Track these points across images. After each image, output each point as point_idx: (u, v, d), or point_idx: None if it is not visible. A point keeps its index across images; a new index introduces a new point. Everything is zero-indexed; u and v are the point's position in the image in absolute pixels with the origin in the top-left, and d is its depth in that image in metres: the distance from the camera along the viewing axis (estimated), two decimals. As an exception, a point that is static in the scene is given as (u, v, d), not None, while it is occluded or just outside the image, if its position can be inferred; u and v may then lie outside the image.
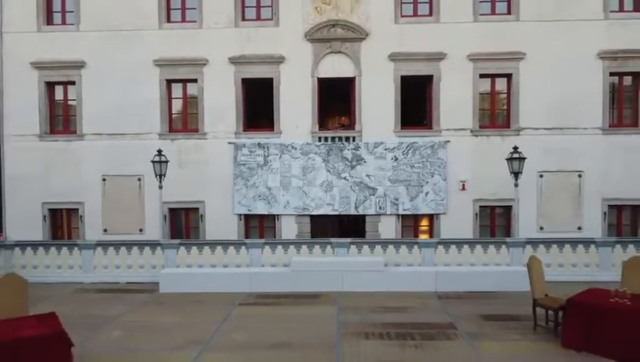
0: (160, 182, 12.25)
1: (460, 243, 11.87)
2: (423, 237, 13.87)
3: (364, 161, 13.76)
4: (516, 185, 12.00)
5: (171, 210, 13.99)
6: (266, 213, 13.96)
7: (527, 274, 8.53)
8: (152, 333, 8.29)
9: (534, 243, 11.78)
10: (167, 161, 12.30)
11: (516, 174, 11.95)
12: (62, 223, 14.58)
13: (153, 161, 12.23)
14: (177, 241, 12.13)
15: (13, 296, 7.43)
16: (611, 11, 13.52)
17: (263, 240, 12.20)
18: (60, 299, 10.54)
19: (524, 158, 11.90)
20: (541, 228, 13.62)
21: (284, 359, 7.14)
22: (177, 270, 11.41)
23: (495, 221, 13.94)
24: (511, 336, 8.06)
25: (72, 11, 14.20)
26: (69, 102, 14.43)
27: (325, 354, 7.26)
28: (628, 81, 13.73)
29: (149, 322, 8.94)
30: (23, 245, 12.25)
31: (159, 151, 12.32)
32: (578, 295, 7.81)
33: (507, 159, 12.03)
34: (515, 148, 11.96)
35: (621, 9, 13.59)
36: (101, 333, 8.22)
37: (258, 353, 7.36)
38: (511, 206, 13.27)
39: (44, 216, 14.31)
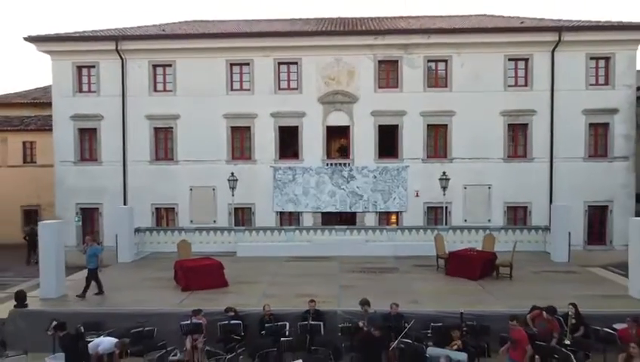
0: (232, 193, 20.49)
1: (410, 228, 20.15)
2: (392, 225, 21.94)
3: (355, 178, 21.90)
4: (444, 195, 20.24)
5: (233, 208, 22.06)
6: (294, 210, 22.10)
7: (441, 241, 16.78)
8: (246, 271, 16.48)
9: (454, 228, 20.05)
10: (237, 180, 20.53)
11: (444, 188, 20.16)
12: (163, 217, 22.70)
13: (229, 179, 20.48)
14: (243, 228, 20.41)
15: (186, 249, 15.69)
16: (509, 86, 21.62)
17: (294, 227, 20.50)
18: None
19: (449, 179, 20.16)
20: (465, 221, 21.68)
21: (314, 279, 15.36)
22: (247, 243, 19.64)
23: (437, 215, 22.00)
24: (424, 272, 16.33)
25: (171, 82, 22.30)
26: (168, 140, 22.53)
27: (332, 278, 15.50)
28: (519, 129, 21.84)
29: (240, 267, 17.04)
30: (150, 230, 20.54)
31: (232, 173, 20.59)
32: (455, 251, 16.09)
33: (439, 179, 20.24)
34: (444, 173, 20.22)
35: (515, 84, 21.67)
36: (220, 271, 16.40)
37: (301, 278, 15.59)
38: (446, 206, 21.40)
39: (152, 213, 22.45)
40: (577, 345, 10.45)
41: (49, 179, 27.28)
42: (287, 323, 11.09)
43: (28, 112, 31.02)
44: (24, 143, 28.96)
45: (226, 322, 11.09)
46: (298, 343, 10.53)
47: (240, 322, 11.10)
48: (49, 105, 30.42)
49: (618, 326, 10.62)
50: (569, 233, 18.08)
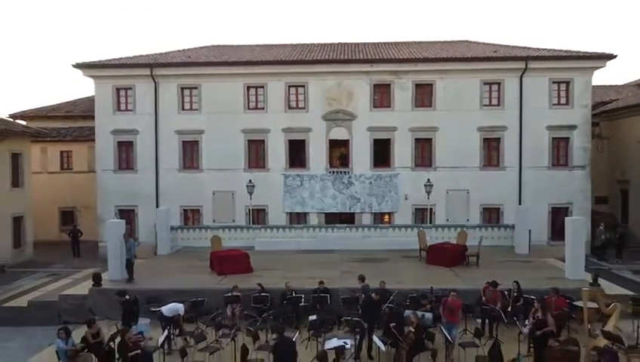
0: (250, 197, 24.32)
1: (400, 226, 24.00)
2: (385, 224, 25.69)
3: (354, 184, 25.72)
4: (428, 198, 24.07)
5: (250, 209, 25.84)
6: (301, 211, 25.90)
7: (423, 237, 20.60)
8: (265, 261, 20.24)
9: (437, 226, 23.90)
10: (254, 186, 24.35)
11: (428, 193, 23.99)
12: (190, 217, 26.50)
13: (247, 186, 24.30)
14: (260, 226, 24.26)
15: (218, 243, 19.51)
16: (483, 105, 25.45)
17: (302, 225, 24.35)
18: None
19: (432, 185, 23.97)
20: (447, 220, 25.44)
21: (320, 266, 19.18)
22: (264, 239, 23.46)
23: (424, 216, 25.77)
24: (409, 261, 20.19)
25: (197, 102, 26.13)
26: (194, 151, 26.31)
27: (334, 266, 19.35)
28: (493, 142, 25.66)
29: (260, 258, 20.75)
30: (181, 228, 24.39)
31: (250, 180, 24.40)
32: (434, 244, 19.95)
33: (424, 185, 24.07)
34: (428, 179, 24.03)
35: (489, 104, 25.48)
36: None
37: (310, 265, 19.42)
38: (431, 208, 25.22)
39: (181, 213, 26.24)
40: (516, 311, 14.26)
41: (84, 183, 31.29)
42: (303, 295, 14.91)
43: (61, 124, 34.73)
44: (61, 152, 32.75)
45: (257, 294, 14.92)
46: (311, 309, 14.33)
47: (268, 294, 14.92)
48: (80, 117, 34.57)
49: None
50: (529, 230, 21.99)
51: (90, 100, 36.40)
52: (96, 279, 16.35)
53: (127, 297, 14.02)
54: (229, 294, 14.76)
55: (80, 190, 31.65)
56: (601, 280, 16.56)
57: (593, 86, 33.43)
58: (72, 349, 11.46)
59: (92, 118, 32.33)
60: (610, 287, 16.35)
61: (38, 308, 16.45)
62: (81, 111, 35.59)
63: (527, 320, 12.40)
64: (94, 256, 26.47)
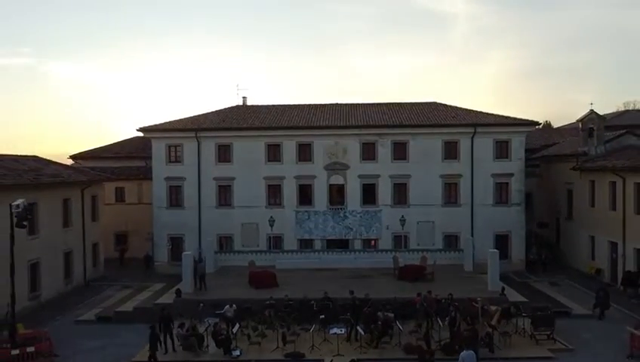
0: (271, 228, 32.85)
1: (383, 250, 32.60)
2: (371, 248, 34.19)
3: (348, 218, 34.25)
4: (403, 228, 32.63)
5: (270, 237, 34.27)
6: (309, 238, 34.42)
7: (396, 260, 29.21)
8: (285, 277, 28.73)
9: (410, 250, 32.48)
10: (274, 220, 32.88)
11: (403, 225, 32.55)
12: (224, 243, 34.96)
13: (269, 220, 32.83)
14: (279, 250, 32.84)
15: (254, 264, 28.02)
16: (445, 158, 34.03)
17: (309, 249, 32.93)
18: (245, 270, 30.95)
19: (405, 219, 32.54)
20: (418, 244, 34.00)
21: (324, 280, 27.69)
22: (283, 260, 31.93)
23: (401, 241, 34.29)
24: (387, 277, 28.79)
25: (229, 156, 34.65)
26: (227, 193, 34.80)
27: (334, 280, 27.89)
28: (452, 186, 34.21)
29: (281, 275, 29.25)
30: (220, 252, 32.91)
31: (271, 216, 32.94)
32: (403, 265, 28.56)
33: (400, 219, 32.63)
34: (402, 216, 32.59)
35: (449, 158, 34.07)
36: (270, 277, 28.67)
37: (316, 280, 27.95)
38: (405, 236, 33.74)
39: (217, 241, 34.68)
40: (448, 312, 22.71)
41: (134, 212, 39.86)
42: (314, 302, 23.38)
43: (111, 163, 43.21)
44: (116, 188, 41.19)
45: (286, 302, 23.42)
46: (320, 311, 22.78)
47: (292, 302, 23.42)
48: (126, 157, 43.10)
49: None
50: (473, 253, 30.57)
51: (133, 142, 45.55)
52: (178, 292, 24.83)
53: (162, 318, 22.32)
54: (268, 302, 23.23)
55: (131, 218, 40.14)
56: (509, 290, 25.21)
57: (540, 129, 42.55)
58: (185, 334, 19.96)
59: (137, 158, 41.58)
60: (513, 295, 24.92)
61: (140, 312, 24.84)
62: (127, 152, 44.29)
63: (447, 317, 20.95)
64: (141, 269, 35.04)
